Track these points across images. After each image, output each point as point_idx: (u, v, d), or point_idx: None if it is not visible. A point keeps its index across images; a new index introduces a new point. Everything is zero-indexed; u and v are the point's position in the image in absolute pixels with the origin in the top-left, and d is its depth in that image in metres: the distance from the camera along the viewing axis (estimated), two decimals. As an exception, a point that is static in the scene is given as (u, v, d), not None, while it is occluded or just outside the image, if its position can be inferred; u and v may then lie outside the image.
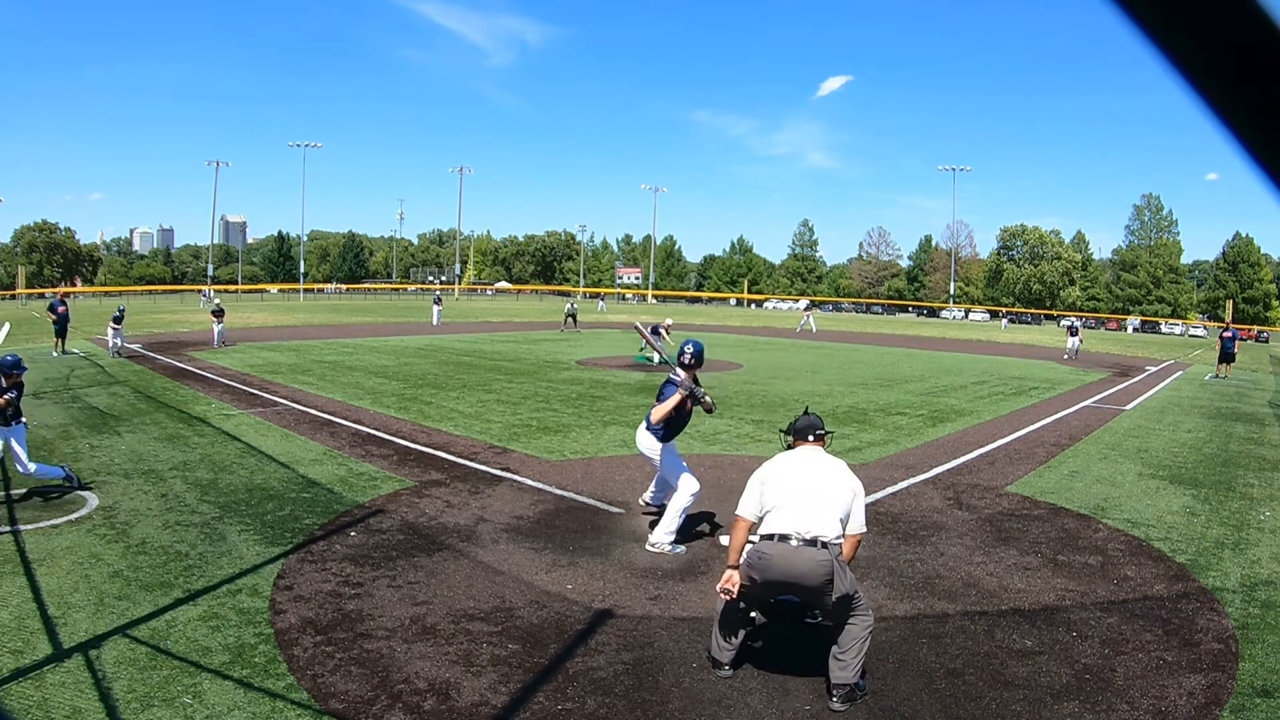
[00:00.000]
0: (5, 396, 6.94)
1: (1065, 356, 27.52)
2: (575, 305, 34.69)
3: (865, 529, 4.19)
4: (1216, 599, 5.25)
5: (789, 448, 4.44)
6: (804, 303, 50.89)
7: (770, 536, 3.92)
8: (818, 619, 4.56)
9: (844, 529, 3.99)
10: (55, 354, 18.72)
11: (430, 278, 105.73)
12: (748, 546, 4.07)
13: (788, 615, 4.59)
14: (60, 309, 19.87)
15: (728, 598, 4.04)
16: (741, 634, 4.13)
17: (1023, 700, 3.86)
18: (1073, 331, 29.15)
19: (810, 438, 4.32)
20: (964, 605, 5.07)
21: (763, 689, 3.94)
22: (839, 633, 3.89)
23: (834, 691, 3.80)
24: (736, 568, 4.04)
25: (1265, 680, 4.11)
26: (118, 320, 19.59)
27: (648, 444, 6.22)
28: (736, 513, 4.15)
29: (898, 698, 3.87)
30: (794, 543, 3.85)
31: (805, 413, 4.51)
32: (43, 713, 3.46)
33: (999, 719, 3.70)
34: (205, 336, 24.74)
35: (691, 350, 6.16)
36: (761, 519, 4.05)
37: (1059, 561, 5.94)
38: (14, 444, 7.00)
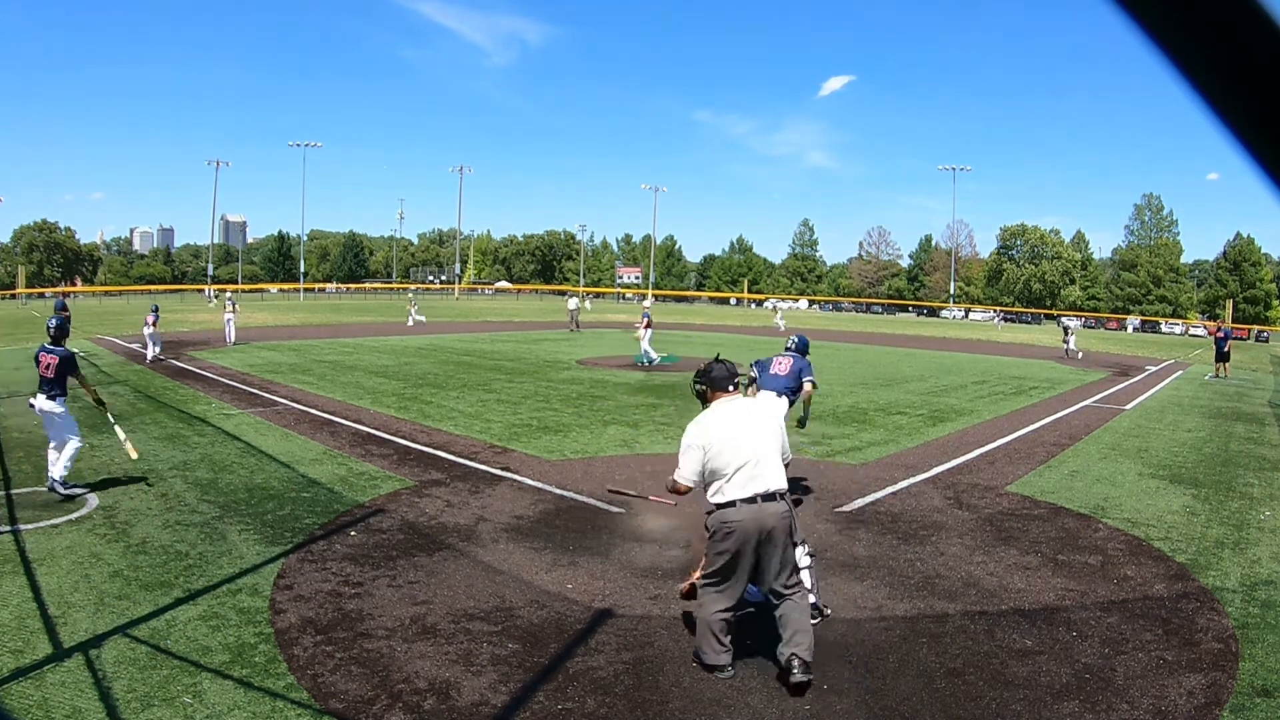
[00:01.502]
0: (49, 364, 6.91)
1: (1065, 354, 27.59)
2: (578, 304, 34.80)
3: (791, 455, 4.42)
4: (1216, 599, 5.24)
5: (700, 395, 4.38)
6: (786, 303, 51.72)
7: (732, 503, 3.99)
8: (817, 620, 4.60)
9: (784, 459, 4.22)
10: None
11: (430, 277, 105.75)
12: (714, 515, 4.08)
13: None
14: (64, 310, 20.04)
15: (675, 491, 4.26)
16: (730, 633, 4.10)
17: (1023, 700, 3.86)
18: (1066, 331, 29.26)
19: (730, 388, 4.30)
20: (964, 605, 5.06)
21: (763, 689, 3.94)
22: (786, 611, 4.01)
23: (793, 663, 3.87)
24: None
25: (1265, 680, 4.10)
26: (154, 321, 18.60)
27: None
28: (676, 479, 4.21)
29: (898, 698, 3.87)
30: (758, 503, 3.97)
31: (717, 359, 4.44)
32: (43, 712, 3.46)
33: (999, 719, 3.70)
34: (206, 336, 24.76)
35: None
36: (706, 484, 4.10)
37: (1059, 561, 5.94)
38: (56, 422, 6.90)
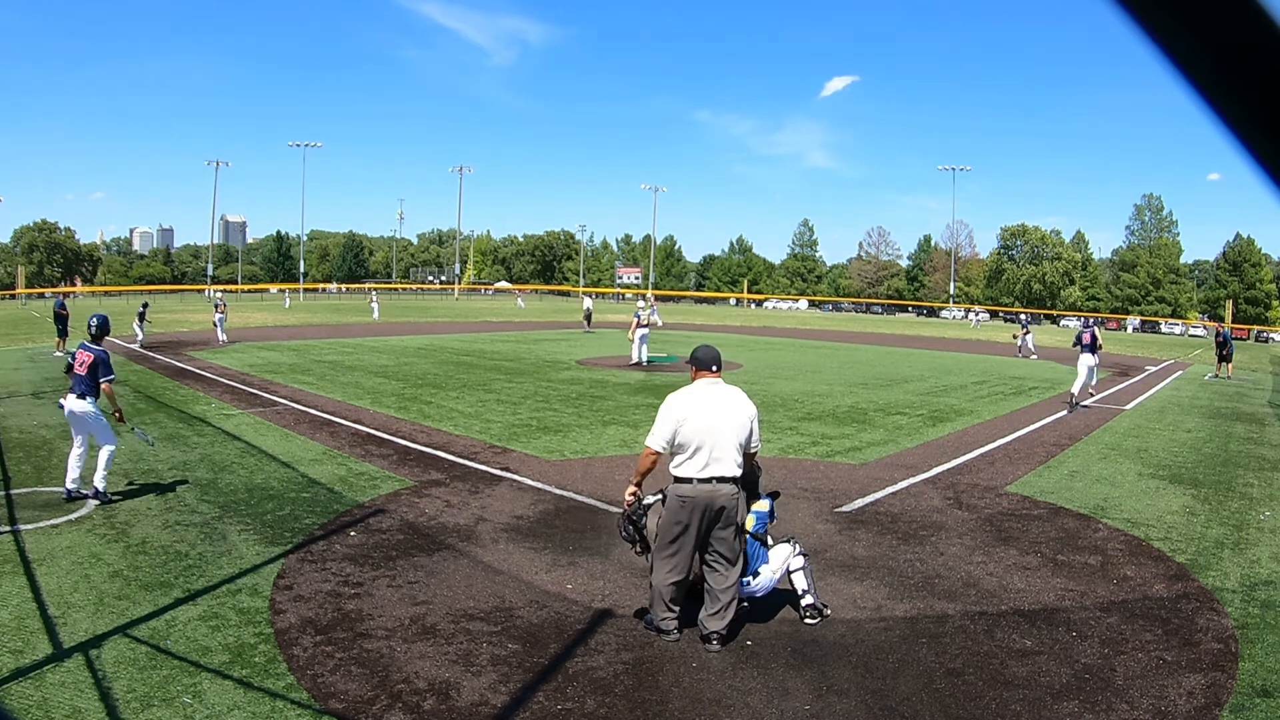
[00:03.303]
0: (79, 365, 6.71)
1: (1028, 355, 27.85)
2: (591, 304, 34.99)
3: (761, 445, 4.75)
4: (1216, 599, 5.24)
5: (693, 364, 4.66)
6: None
7: (689, 480, 4.37)
8: (816, 620, 4.64)
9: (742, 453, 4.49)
10: (59, 353, 18.99)
11: (430, 278, 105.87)
12: (671, 488, 4.45)
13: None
14: (63, 310, 20.20)
15: (628, 506, 4.62)
16: (679, 602, 4.45)
17: (1023, 700, 3.86)
18: (1026, 329, 29.78)
19: (713, 369, 4.61)
20: (964, 605, 5.07)
21: (763, 688, 3.94)
22: (713, 583, 4.42)
23: (712, 638, 4.33)
24: (639, 486, 4.63)
25: (1265, 680, 4.11)
26: (141, 316, 22.18)
27: None
28: (648, 443, 4.53)
29: (898, 698, 3.87)
30: (712, 484, 4.35)
31: (706, 346, 4.74)
32: (43, 713, 3.46)
33: (999, 719, 3.70)
34: (206, 336, 24.76)
35: None
36: (672, 454, 4.46)
37: (1059, 561, 5.94)
38: (108, 422, 6.73)
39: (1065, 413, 13.56)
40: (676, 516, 4.39)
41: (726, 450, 4.38)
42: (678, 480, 4.41)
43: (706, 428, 4.36)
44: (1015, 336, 29.02)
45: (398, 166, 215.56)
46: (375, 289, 62.57)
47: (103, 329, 7.07)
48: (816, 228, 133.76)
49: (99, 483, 6.66)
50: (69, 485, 6.74)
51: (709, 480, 4.35)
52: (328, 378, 15.69)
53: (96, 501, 6.65)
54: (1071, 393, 14.51)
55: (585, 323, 33.34)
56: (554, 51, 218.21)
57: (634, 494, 4.65)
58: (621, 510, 4.77)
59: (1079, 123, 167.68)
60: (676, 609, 4.44)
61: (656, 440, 4.48)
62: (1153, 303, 73.59)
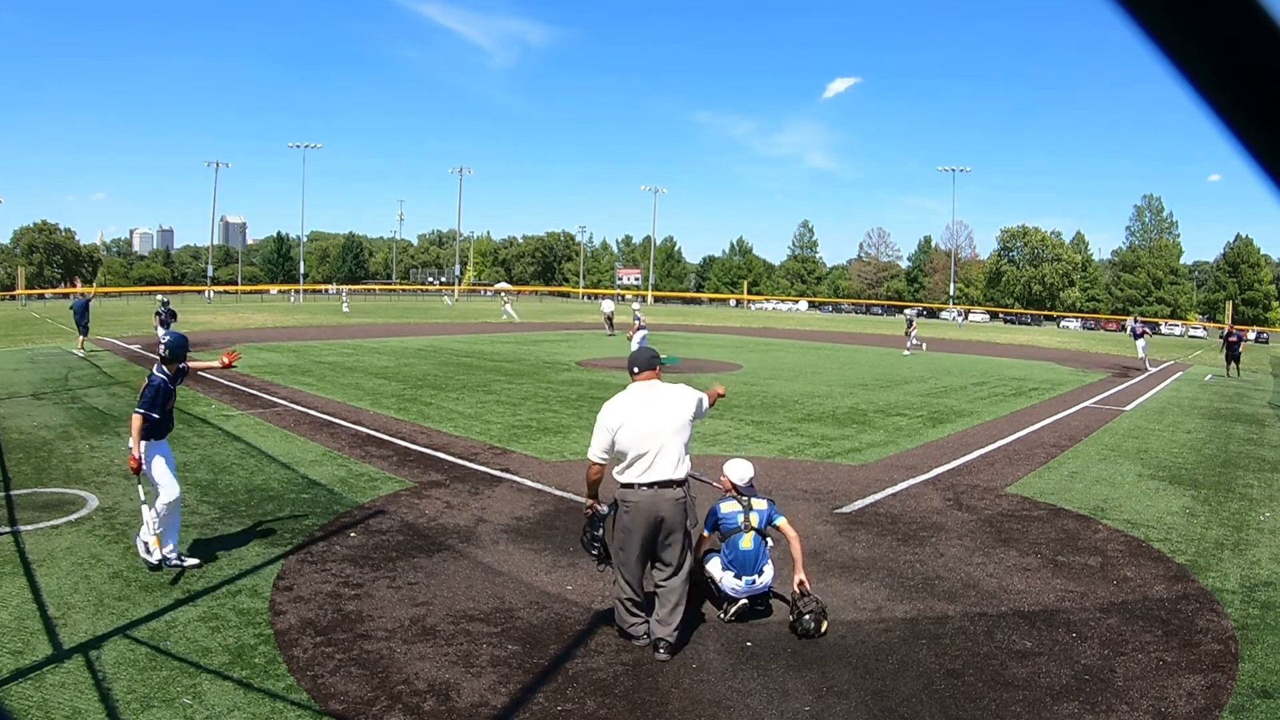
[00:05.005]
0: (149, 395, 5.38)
1: (909, 347, 28.11)
2: (613, 306, 34.90)
3: (709, 408, 4.70)
4: (1216, 599, 5.24)
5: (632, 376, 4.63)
6: (505, 293, 55.41)
7: (631, 485, 4.32)
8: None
9: (689, 449, 4.42)
10: (78, 351, 19.37)
11: (430, 278, 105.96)
12: (617, 494, 4.41)
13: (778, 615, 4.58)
14: (85, 308, 20.41)
15: (589, 513, 4.62)
16: (640, 607, 4.42)
17: (1023, 701, 3.86)
18: (909, 323, 29.95)
19: (636, 369, 4.58)
20: (964, 606, 5.06)
21: (763, 689, 3.94)
22: (658, 587, 4.40)
23: (659, 645, 4.26)
24: (595, 498, 4.60)
25: (1265, 681, 4.11)
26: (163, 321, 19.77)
27: None
28: (589, 457, 4.51)
29: (898, 698, 3.87)
30: (655, 489, 4.30)
31: (642, 348, 4.79)
32: (43, 713, 3.46)
33: (999, 719, 3.70)
34: (206, 337, 24.75)
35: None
36: (616, 461, 4.41)
37: (1059, 562, 5.93)
38: (156, 468, 5.39)
39: (1146, 374, 22.07)
40: (621, 523, 4.37)
41: (668, 453, 4.31)
42: (622, 487, 4.37)
43: (644, 433, 4.29)
44: (906, 334, 29.08)
45: (398, 166, 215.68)
46: (351, 289, 65.63)
47: (172, 352, 5.59)
48: (816, 229, 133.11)
49: (167, 547, 5.26)
50: (165, 554, 5.25)
51: (651, 485, 4.29)
52: (328, 379, 15.69)
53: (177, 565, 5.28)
54: (1141, 359, 24.15)
55: (607, 325, 33.09)
56: (554, 52, 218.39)
57: (590, 506, 4.63)
58: (582, 524, 4.79)
59: (1079, 123, 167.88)
60: (641, 614, 4.42)
61: (594, 452, 4.44)
62: (1153, 304, 73.60)
